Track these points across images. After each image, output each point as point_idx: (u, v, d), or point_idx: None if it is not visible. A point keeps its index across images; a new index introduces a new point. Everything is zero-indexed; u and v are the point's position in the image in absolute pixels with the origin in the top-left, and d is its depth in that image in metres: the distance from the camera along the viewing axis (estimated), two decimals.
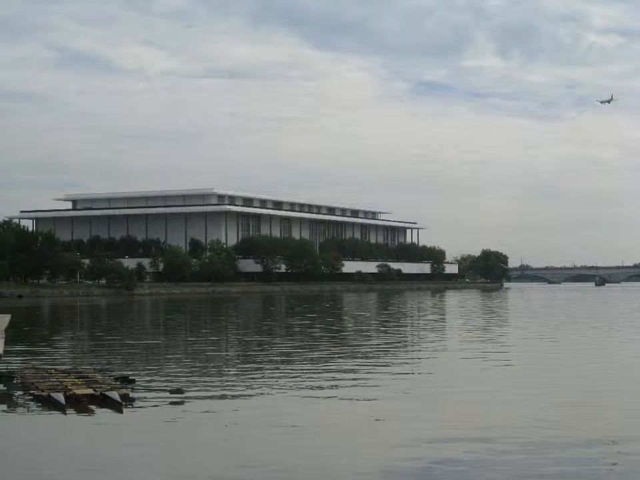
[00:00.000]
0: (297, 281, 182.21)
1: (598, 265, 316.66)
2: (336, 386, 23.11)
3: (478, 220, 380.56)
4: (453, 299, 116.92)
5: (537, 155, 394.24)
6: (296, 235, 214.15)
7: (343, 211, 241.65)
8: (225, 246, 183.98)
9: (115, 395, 19.45)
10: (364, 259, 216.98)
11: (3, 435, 17.07)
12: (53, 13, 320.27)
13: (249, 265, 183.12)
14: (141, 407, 19.34)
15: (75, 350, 36.07)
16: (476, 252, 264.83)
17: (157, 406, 19.49)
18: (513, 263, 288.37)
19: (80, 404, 19.33)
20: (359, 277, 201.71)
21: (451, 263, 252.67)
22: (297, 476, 13.58)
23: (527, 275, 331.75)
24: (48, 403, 19.44)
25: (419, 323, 57.99)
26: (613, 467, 13.73)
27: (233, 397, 21.25)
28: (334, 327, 51.66)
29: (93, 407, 19.14)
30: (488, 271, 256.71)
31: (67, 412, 18.62)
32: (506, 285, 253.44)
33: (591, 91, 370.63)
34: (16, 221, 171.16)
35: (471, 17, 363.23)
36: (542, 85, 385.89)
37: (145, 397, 20.38)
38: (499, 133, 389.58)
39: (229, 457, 14.72)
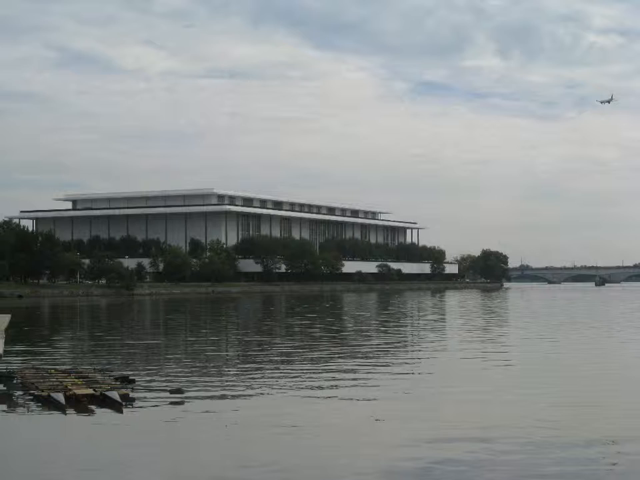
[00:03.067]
0: (297, 281, 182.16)
1: (598, 265, 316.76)
2: (336, 386, 23.11)
3: (478, 220, 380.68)
4: (453, 299, 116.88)
5: (537, 154, 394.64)
6: (296, 235, 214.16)
7: (343, 211, 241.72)
8: (225, 246, 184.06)
9: (115, 394, 19.45)
10: (364, 259, 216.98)
11: (3, 435, 17.08)
12: (53, 12, 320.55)
13: (249, 265, 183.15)
14: (140, 407, 19.34)
15: (74, 350, 36.08)
16: (476, 252, 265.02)
17: (156, 406, 19.50)
18: (512, 263, 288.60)
19: (80, 404, 19.33)
20: (359, 276, 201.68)
21: (450, 262, 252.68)
22: (296, 476, 13.58)
23: (527, 275, 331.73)
24: (48, 403, 19.44)
25: (418, 323, 57.98)
26: (613, 467, 13.73)
27: (233, 396, 21.25)
28: (334, 327, 51.66)
29: (93, 406, 19.14)
30: (488, 271, 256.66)
31: (67, 412, 18.62)
32: (506, 285, 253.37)
33: (590, 90, 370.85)
34: (16, 220, 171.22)
35: (471, 17, 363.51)
36: (542, 85, 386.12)
37: (145, 397, 20.37)
38: (499, 133, 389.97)
39: (229, 457, 14.72)
